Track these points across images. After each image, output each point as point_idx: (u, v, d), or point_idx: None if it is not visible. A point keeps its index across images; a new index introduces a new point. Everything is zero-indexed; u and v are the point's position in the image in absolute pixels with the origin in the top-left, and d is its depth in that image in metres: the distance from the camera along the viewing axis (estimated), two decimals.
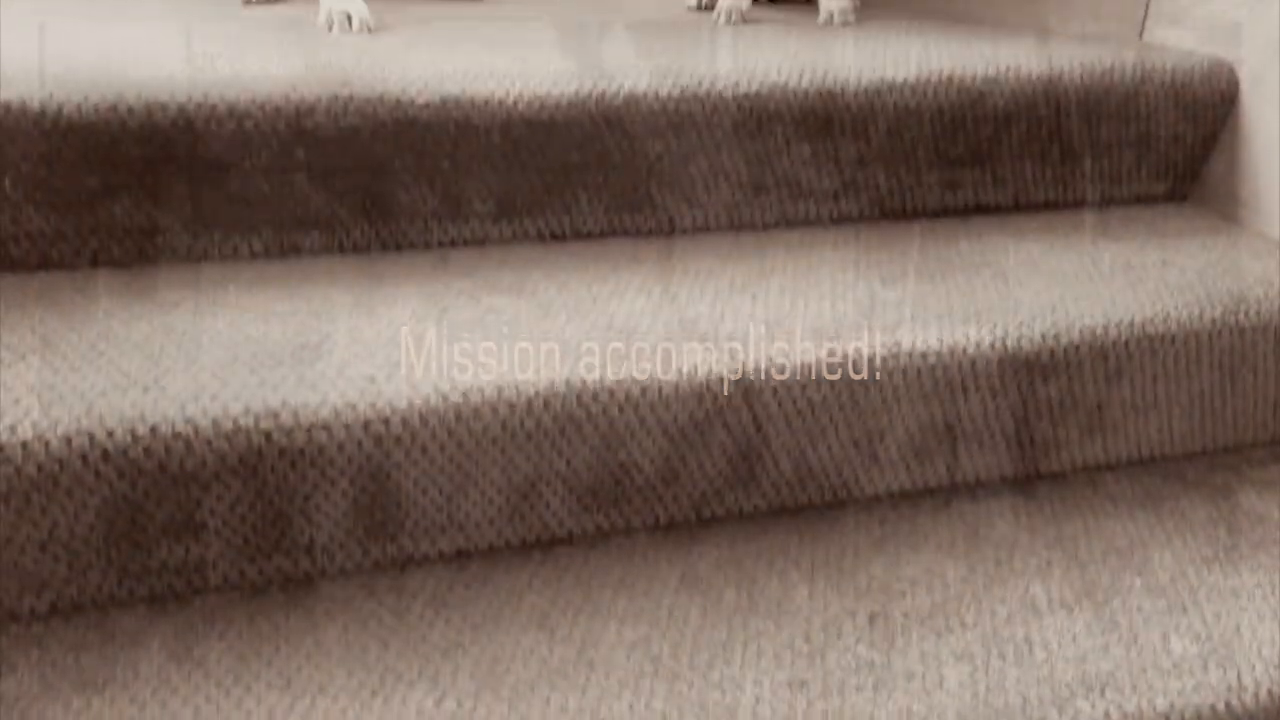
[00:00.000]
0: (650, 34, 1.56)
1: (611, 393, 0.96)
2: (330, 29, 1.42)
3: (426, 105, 1.14)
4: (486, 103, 1.17)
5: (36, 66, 1.11)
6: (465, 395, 0.91)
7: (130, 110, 1.04)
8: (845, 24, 1.70)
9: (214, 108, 1.07)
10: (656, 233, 1.32)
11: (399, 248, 1.21)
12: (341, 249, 1.19)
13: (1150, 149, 1.46)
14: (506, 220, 1.25)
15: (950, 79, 1.33)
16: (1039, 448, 1.16)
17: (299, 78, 1.13)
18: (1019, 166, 1.41)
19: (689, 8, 1.84)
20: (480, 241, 1.25)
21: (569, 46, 1.40)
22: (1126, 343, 1.12)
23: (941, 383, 1.07)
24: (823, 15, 1.72)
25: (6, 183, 1.03)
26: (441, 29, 1.48)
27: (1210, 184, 1.50)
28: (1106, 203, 1.48)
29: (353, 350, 0.96)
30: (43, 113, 1.02)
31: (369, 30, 1.43)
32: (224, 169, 1.10)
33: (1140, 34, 1.61)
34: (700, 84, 1.26)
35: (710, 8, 1.81)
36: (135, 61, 1.17)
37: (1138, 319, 1.13)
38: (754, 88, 1.27)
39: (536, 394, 0.93)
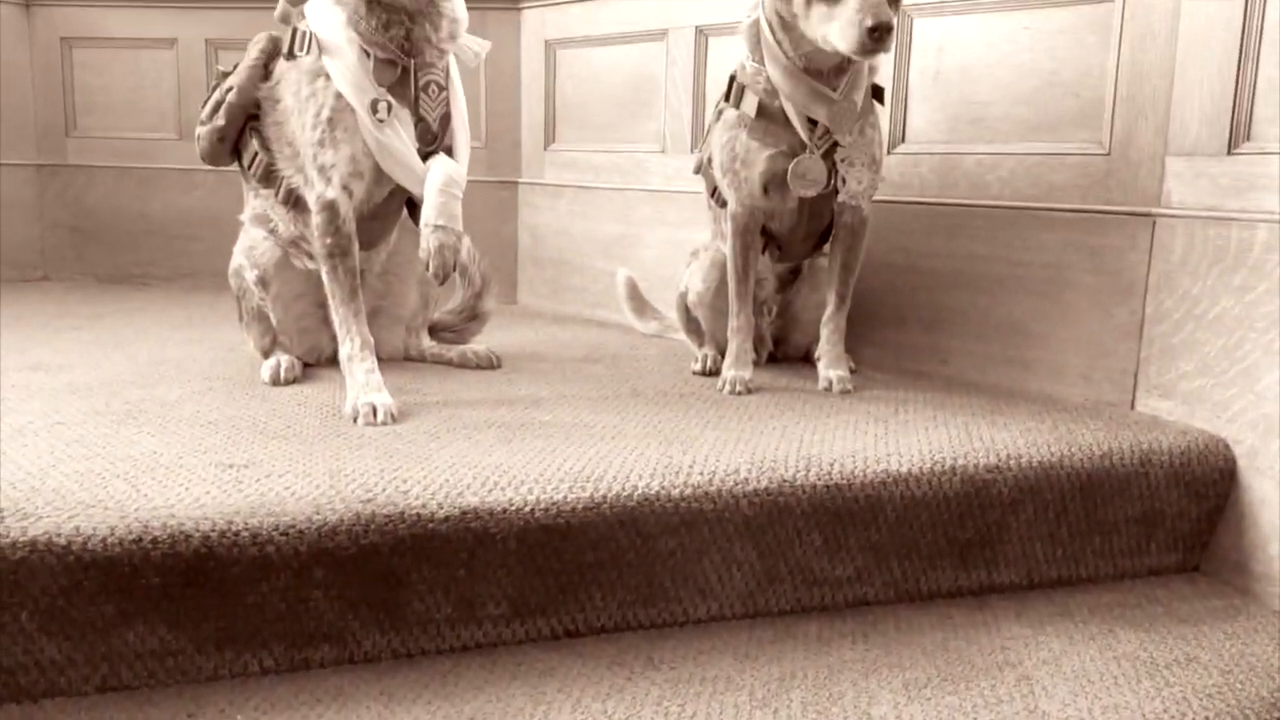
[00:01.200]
0: (659, 408, 1.62)
1: None
2: (356, 421, 1.48)
3: (446, 519, 1.17)
4: (504, 511, 1.20)
5: (63, 495, 1.14)
6: None
7: (155, 541, 1.06)
8: (844, 392, 1.78)
9: (237, 534, 1.09)
10: (671, 624, 1.31)
11: (410, 655, 1.20)
12: (352, 660, 1.17)
13: (1157, 525, 1.47)
14: (520, 621, 1.24)
15: (954, 470, 1.37)
16: None
17: (323, 495, 1.16)
18: (1029, 547, 1.42)
19: (694, 372, 1.93)
20: (493, 644, 1.23)
21: (582, 434, 1.45)
22: None
23: None
24: (822, 382, 1.80)
25: (23, 616, 1.04)
26: (460, 417, 1.54)
27: (1220, 555, 1.50)
28: (1119, 578, 1.48)
29: None
30: (68, 547, 1.04)
31: (393, 419, 1.49)
32: (242, 592, 1.10)
33: (1133, 403, 1.68)
34: (710, 481, 1.29)
35: (715, 374, 1.89)
36: (162, 480, 1.21)
37: None
38: (763, 483, 1.30)
39: None
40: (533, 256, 2.81)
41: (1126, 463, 1.44)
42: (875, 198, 1.82)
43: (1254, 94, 1.49)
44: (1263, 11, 1.48)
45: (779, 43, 1.65)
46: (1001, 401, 1.71)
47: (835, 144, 1.69)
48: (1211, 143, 1.54)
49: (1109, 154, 1.69)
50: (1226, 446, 1.49)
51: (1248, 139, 1.50)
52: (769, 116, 1.70)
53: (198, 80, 2.82)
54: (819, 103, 1.66)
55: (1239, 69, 1.50)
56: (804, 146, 1.68)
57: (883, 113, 1.85)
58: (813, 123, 1.68)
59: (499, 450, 1.36)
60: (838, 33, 1.50)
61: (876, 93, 1.75)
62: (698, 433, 1.49)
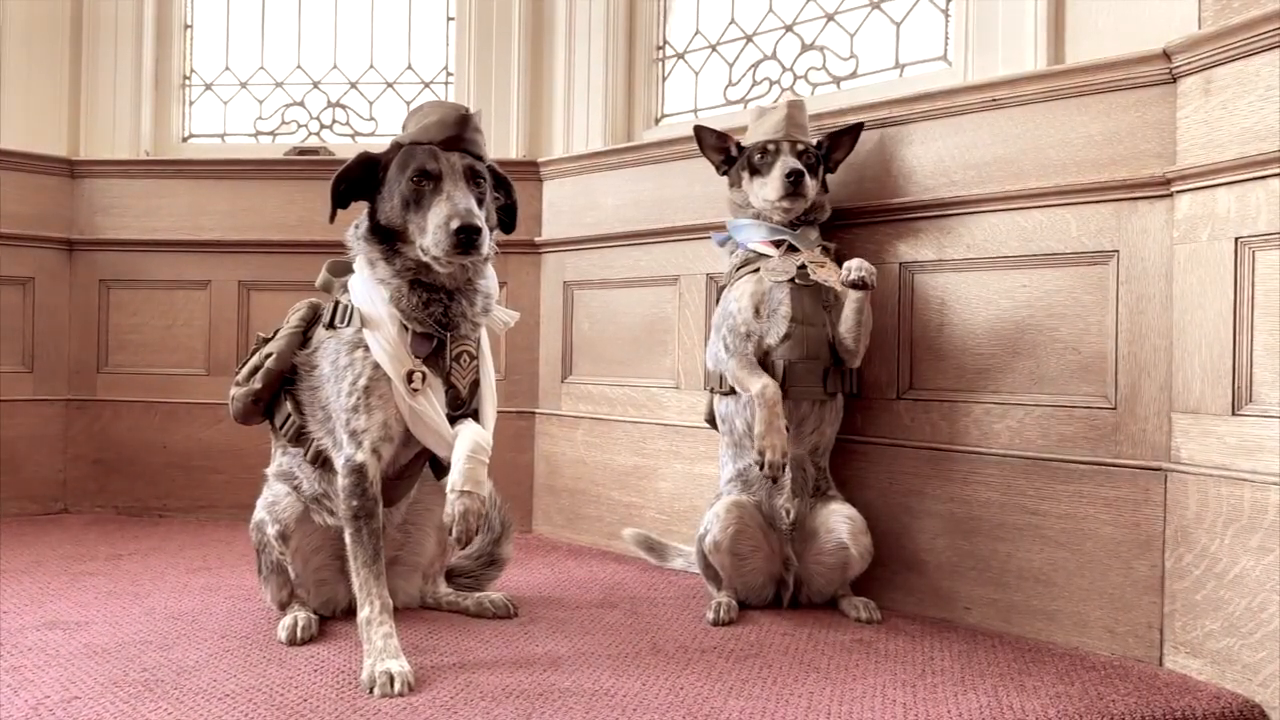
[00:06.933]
0: (681, 669, 1.58)
1: None
2: (372, 691, 1.46)
3: None
4: None
5: None
6: None
7: None
8: (871, 621, 1.90)
9: None
10: None
11: None
12: None
13: None
14: None
15: None
16: None
17: None
18: None
19: (708, 623, 1.90)
20: None
21: (604, 707, 1.43)
22: None
23: None
24: (850, 612, 1.92)
25: None
26: (477, 684, 1.52)
27: None
28: None
29: None
30: None
31: (409, 688, 1.47)
32: None
33: (1160, 659, 1.65)
34: None
35: (730, 623, 1.88)
36: None
37: None
38: None
39: None
40: (549, 486, 2.83)
41: None
42: (887, 440, 1.86)
43: (1252, 358, 1.54)
44: (1252, 280, 1.55)
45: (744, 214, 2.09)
46: (1029, 659, 1.68)
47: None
48: (1216, 403, 1.58)
49: (1116, 408, 1.73)
50: (1263, 713, 1.45)
51: (1250, 401, 1.54)
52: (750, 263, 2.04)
53: (229, 319, 2.93)
54: (779, 233, 2.02)
55: (1235, 333, 1.56)
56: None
57: (888, 357, 1.93)
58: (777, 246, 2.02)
59: None
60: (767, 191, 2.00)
61: (838, 258, 2.02)
62: (722, 702, 1.46)
